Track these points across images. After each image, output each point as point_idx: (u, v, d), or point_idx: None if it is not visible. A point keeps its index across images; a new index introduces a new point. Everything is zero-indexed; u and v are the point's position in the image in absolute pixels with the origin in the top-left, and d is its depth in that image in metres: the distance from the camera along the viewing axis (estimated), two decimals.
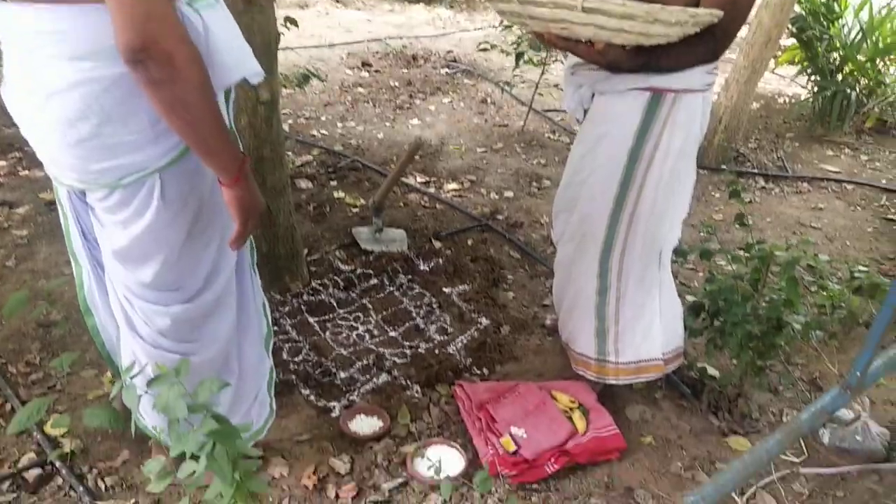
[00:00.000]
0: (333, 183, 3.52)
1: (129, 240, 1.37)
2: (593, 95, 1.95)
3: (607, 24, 1.53)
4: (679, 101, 1.79)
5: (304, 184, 3.46)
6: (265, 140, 2.34)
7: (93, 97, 1.18)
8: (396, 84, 5.17)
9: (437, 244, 3.02)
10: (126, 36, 1.06)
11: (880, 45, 4.77)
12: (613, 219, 1.91)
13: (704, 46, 1.69)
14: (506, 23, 4.60)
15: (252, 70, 1.33)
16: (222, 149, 1.27)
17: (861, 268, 2.81)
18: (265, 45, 2.19)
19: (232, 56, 1.28)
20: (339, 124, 4.36)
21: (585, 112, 2.01)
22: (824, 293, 2.73)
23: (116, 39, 1.07)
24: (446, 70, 5.63)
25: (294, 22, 3.75)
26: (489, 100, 5.05)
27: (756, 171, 4.19)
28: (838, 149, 4.70)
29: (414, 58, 5.84)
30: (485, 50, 4.72)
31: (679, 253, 2.16)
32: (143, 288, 1.45)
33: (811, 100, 5.00)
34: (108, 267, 1.48)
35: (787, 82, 6.16)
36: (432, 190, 3.58)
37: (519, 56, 4.28)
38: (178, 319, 1.49)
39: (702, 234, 3.29)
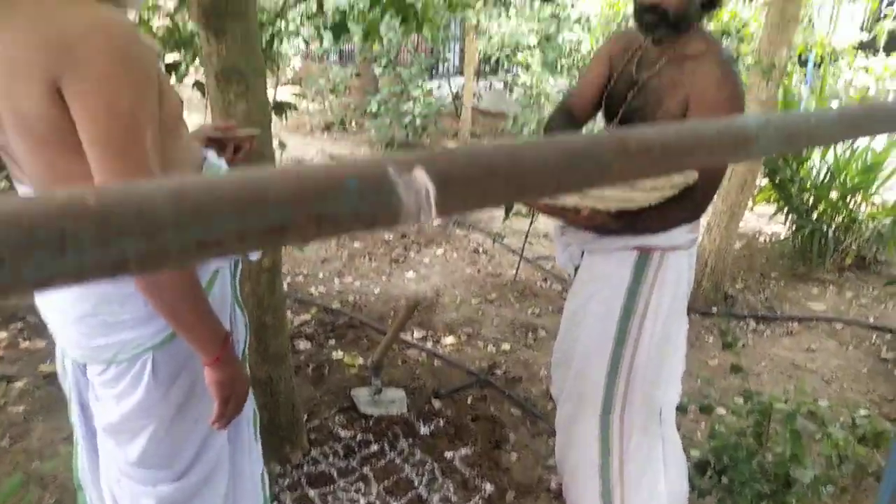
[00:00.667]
0: (332, 342, 3.55)
1: (119, 416, 1.39)
2: (583, 252, 2.04)
3: (591, 192, 1.64)
4: (666, 259, 1.88)
5: (302, 345, 3.48)
6: (267, 307, 2.39)
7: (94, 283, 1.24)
8: (390, 237, 5.34)
9: (437, 404, 3.01)
10: None
11: (848, 184, 5.03)
12: (611, 377, 1.93)
13: (685, 208, 1.80)
14: None
15: None
16: (199, 328, 1.30)
17: (862, 412, 2.80)
18: None
19: None
20: (337, 280, 4.45)
21: (576, 269, 2.09)
22: (829, 440, 2.72)
23: None
24: (438, 221, 5.83)
25: None
26: (481, 249, 5.20)
27: (746, 313, 4.27)
28: (823, 286, 4.82)
29: None
30: None
31: (679, 408, 2.17)
32: (130, 466, 1.45)
33: (790, 238, 5.18)
34: (100, 443, 1.49)
35: (765, 220, 6.40)
36: (430, 345, 3.61)
37: (508, 208, 4.47)
38: (163, 501, 1.47)
39: (698, 381, 3.30)
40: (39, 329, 3.25)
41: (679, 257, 1.89)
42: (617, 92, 1.89)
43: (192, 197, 0.27)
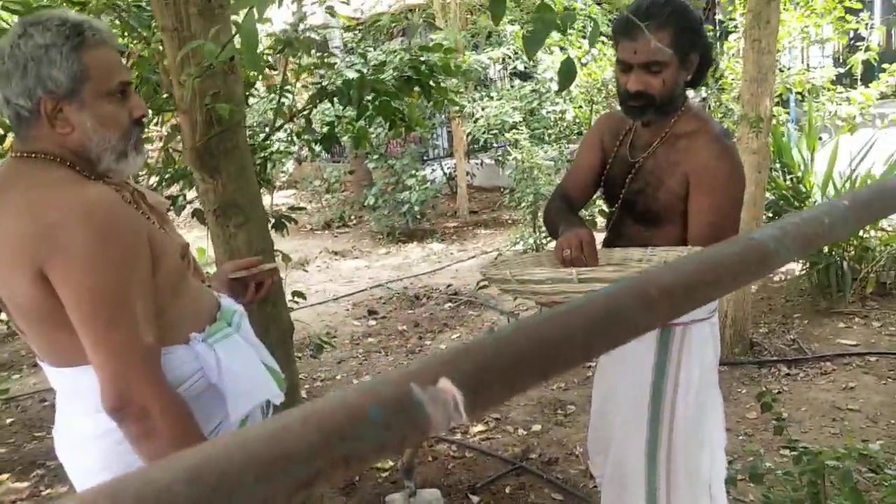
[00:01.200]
0: None
1: None
2: None
3: (602, 275, 1.61)
4: (688, 332, 1.84)
5: None
6: None
7: (112, 449, 1.24)
8: (404, 328, 5.31)
9: (475, 499, 2.90)
10: (104, 395, 1.14)
11: None
12: (650, 460, 1.86)
13: None
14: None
15: (272, 393, 1.38)
16: None
17: None
18: (280, 336, 2.28)
19: (249, 384, 1.35)
20: (355, 380, 4.40)
21: None
22: (889, 486, 2.59)
23: (100, 398, 1.14)
24: (449, 304, 5.81)
25: (302, 295, 3.94)
26: (496, 328, 5.14)
27: (775, 358, 4.17)
28: (848, 319, 4.73)
29: (416, 297, 6.06)
30: (484, 287, 4.91)
31: (727, 481, 2.09)
32: None
33: (806, 275, 5.13)
34: None
35: None
36: (458, 436, 3.52)
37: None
38: None
39: (739, 437, 3.21)
40: (62, 476, 3.19)
41: (701, 328, 1.85)
42: (614, 176, 1.89)
43: (211, 474, 0.25)
